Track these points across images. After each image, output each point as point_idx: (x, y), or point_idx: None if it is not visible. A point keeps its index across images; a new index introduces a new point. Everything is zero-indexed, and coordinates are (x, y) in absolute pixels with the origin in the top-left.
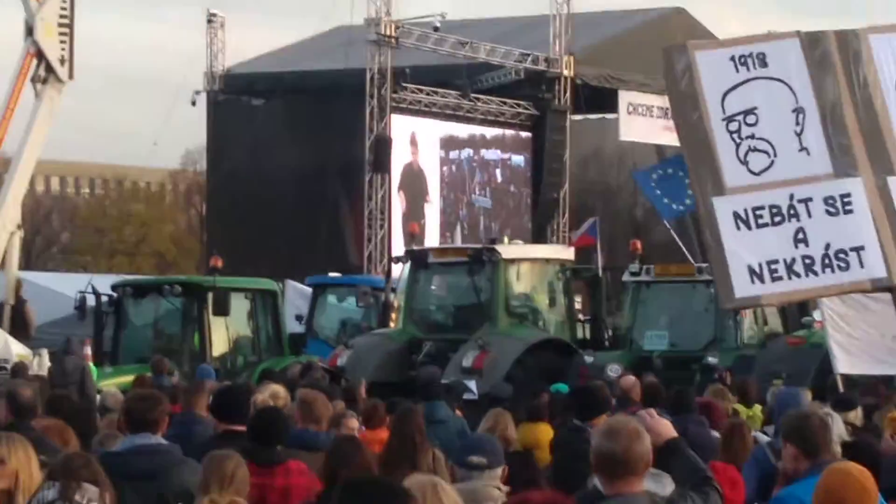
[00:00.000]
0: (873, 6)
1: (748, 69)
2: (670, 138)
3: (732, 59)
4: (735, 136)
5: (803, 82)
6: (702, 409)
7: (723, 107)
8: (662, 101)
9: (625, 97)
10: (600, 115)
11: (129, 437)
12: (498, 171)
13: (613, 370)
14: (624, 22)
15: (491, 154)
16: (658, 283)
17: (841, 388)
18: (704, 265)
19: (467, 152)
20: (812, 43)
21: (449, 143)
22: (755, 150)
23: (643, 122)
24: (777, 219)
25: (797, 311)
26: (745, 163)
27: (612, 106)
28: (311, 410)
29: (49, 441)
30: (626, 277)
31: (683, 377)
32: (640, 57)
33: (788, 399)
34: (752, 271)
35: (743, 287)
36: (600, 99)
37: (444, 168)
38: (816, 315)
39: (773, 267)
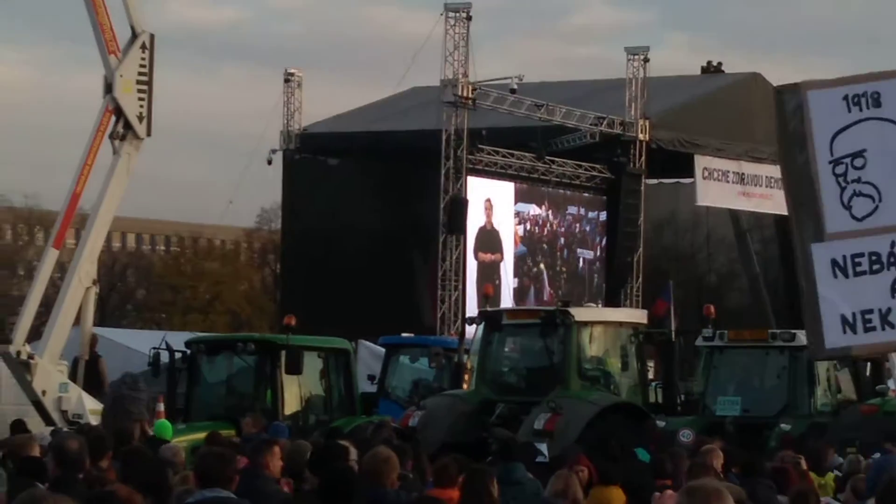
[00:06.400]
0: None
1: (860, 109)
2: (745, 203)
3: (845, 98)
4: (841, 179)
5: None
6: (775, 475)
7: (831, 149)
8: (738, 167)
9: (700, 162)
10: (675, 180)
11: (200, 491)
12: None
13: (685, 435)
14: (700, 87)
15: (592, 214)
16: (731, 349)
17: None
18: (778, 331)
19: (552, 213)
20: None
21: (525, 206)
22: (860, 194)
23: (718, 187)
24: (876, 267)
25: (871, 380)
26: (848, 207)
27: (687, 170)
28: (380, 469)
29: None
30: (699, 342)
31: (756, 443)
32: (716, 122)
33: (885, 465)
34: (844, 321)
35: (834, 338)
36: (675, 163)
37: (519, 229)
38: (891, 383)
39: (867, 317)
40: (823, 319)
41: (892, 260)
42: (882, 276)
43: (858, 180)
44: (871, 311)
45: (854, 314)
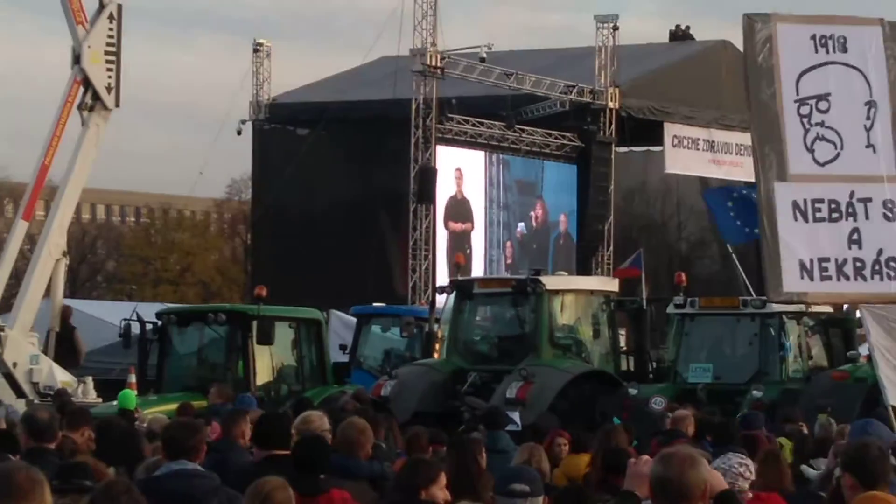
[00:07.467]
0: None
1: (827, 51)
2: (715, 171)
3: (813, 38)
4: (805, 120)
5: (880, 75)
6: (745, 441)
7: (797, 87)
8: (707, 134)
9: (670, 129)
10: (645, 148)
11: (167, 463)
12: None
13: (657, 402)
14: (669, 54)
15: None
16: (702, 316)
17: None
18: (749, 298)
19: (515, 182)
20: (894, 34)
21: (494, 174)
22: (823, 138)
23: (688, 155)
24: (835, 215)
25: (842, 345)
26: (811, 151)
27: (657, 138)
28: (356, 439)
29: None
30: (670, 309)
31: (727, 410)
32: (686, 89)
33: (865, 428)
34: (802, 266)
35: (792, 281)
36: (645, 131)
37: (490, 198)
38: (862, 350)
39: (823, 265)
40: (783, 263)
41: (850, 210)
42: (840, 226)
43: (822, 124)
44: (827, 260)
45: (812, 261)
